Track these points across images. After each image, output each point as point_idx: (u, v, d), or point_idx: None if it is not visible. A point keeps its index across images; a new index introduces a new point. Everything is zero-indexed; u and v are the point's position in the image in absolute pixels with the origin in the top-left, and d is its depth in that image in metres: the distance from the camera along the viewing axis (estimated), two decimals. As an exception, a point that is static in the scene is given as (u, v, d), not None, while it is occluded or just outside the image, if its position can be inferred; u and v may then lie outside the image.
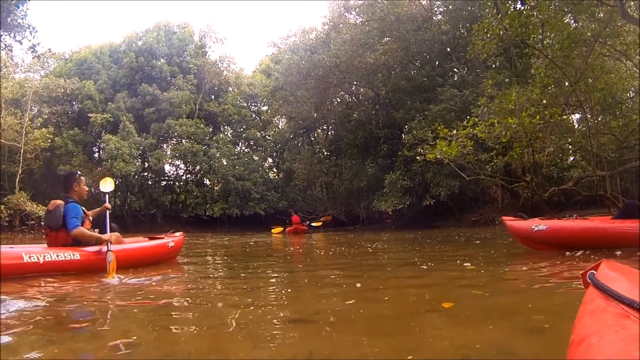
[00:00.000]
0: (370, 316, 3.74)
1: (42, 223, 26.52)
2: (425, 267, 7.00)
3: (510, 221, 9.09)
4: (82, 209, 7.33)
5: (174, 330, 3.41)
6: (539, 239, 8.11)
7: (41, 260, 6.26)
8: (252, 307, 4.30)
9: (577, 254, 6.90)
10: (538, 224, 8.11)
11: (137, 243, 8.53)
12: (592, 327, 1.29)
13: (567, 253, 7.09)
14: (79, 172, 7.83)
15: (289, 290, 5.59)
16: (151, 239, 9.04)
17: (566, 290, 4.47)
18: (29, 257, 6.19)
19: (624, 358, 1.04)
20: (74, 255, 6.65)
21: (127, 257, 7.48)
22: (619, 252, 6.57)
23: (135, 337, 3.16)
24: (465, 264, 6.85)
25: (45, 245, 7.10)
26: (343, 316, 3.72)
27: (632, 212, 7.46)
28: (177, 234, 9.74)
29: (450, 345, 2.82)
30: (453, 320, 3.42)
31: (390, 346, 2.88)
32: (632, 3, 16.40)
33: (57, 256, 6.47)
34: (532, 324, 3.21)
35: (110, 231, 7.69)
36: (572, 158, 25.05)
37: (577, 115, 22.95)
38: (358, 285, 4.90)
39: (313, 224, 31.06)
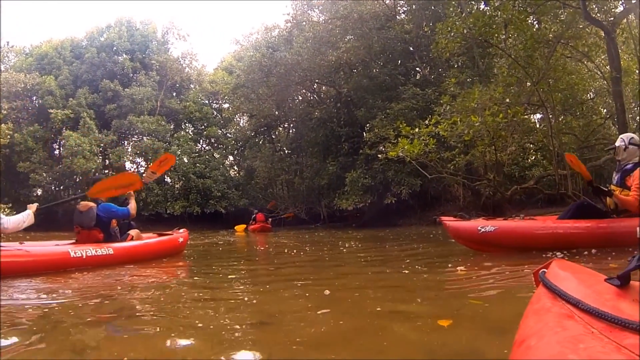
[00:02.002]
0: (338, 321, 3.56)
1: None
2: (408, 271, 6.35)
3: (451, 222, 8.40)
4: None
5: (130, 331, 3.29)
6: (486, 241, 7.60)
7: (84, 256, 7.21)
8: (213, 308, 4.22)
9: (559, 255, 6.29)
10: (484, 225, 7.62)
11: (156, 238, 9.63)
12: (534, 327, 1.29)
13: (548, 255, 6.52)
14: None
15: (252, 291, 5.43)
16: (159, 235, 10.06)
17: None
18: (75, 253, 7.13)
19: None
20: (108, 250, 7.66)
21: (150, 249, 8.93)
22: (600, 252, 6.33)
23: (90, 339, 3.05)
24: (458, 267, 6.19)
25: (73, 241, 8.29)
26: (307, 320, 3.59)
27: (584, 211, 7.29)
28: (181, 230, 10.98)
29: (418, 350, 2.73)
30: (429, 327, 3.31)
31: (353, 349, 2.81)
32: (595, 6, 16.62)
33: (96, 251, 7.43)
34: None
35: (131, 229, 9.01)
36: (532, 157, 25.32)
37: (538, 115, 23.21)
38: (326, 292, 4.63)
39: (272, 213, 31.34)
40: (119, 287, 5.75)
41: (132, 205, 8.60)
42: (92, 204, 8.15)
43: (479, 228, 7.59)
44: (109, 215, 8.27)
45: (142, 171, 42.12)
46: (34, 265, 6.60)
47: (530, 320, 1.38)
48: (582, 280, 1.56)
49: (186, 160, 39.49)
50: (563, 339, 1.10)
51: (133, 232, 8.90)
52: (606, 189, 6.99)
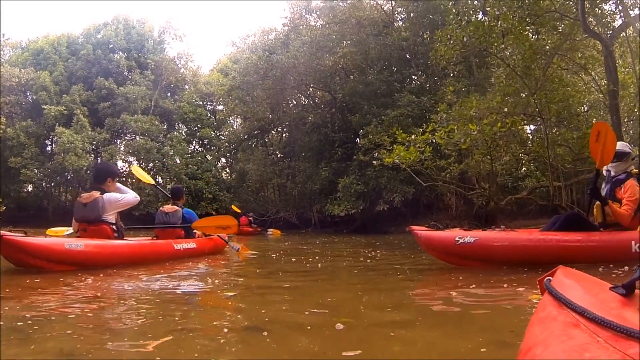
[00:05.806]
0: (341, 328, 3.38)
1: None
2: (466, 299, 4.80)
3: (423, 232, 7.38)
4: None
5: (117, 337, 3.17)
6: (464, 254, 6.86)
7: (182, 248, 9.06)
8: (203, 314, 4.14)
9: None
10: (463, 236, 6.82)
11: (212, 237, 11.11)
12: (539, 336, 1.30)
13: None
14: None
15: (243, 297, 5.19)
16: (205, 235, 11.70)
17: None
18: (176, 246, 8.97)
19: None
20: (193, 244, 9.57)
21: (213, 245, 10.72)
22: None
23: (75, 339, 2.95)
24: (534, 293, 4.38)
25: (153, 237, 10.00)
26: (302, 327, 3.44)
27: (574, 223, 6.94)
28: None
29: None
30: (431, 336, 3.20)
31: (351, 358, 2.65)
32: (592, 19, 16.63)
33: (188, 245, 9.33)
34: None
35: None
36: (524, 168, 25.31)
37: (532, 127, 23.23)
38: (339, 326, 4.46)
39: (269, 233, 31.04)
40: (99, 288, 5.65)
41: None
42: (177, 207, 10.02)
43: (457, 239, 6.85)
44: (191, 219, 10.10)
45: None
46: (164, 255, 8.58)
47: (535, 328, 1.38)
48: (588, 289, 1.55)
49: (178, 161, 39.57)
50: (569, 347, 1.10)
51: (198, 231, 10.55)
52: (602, 196, 6.82)
